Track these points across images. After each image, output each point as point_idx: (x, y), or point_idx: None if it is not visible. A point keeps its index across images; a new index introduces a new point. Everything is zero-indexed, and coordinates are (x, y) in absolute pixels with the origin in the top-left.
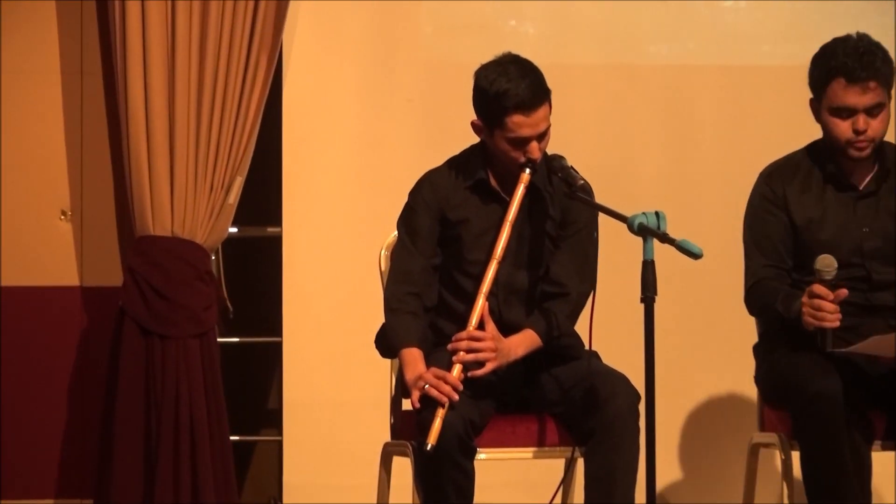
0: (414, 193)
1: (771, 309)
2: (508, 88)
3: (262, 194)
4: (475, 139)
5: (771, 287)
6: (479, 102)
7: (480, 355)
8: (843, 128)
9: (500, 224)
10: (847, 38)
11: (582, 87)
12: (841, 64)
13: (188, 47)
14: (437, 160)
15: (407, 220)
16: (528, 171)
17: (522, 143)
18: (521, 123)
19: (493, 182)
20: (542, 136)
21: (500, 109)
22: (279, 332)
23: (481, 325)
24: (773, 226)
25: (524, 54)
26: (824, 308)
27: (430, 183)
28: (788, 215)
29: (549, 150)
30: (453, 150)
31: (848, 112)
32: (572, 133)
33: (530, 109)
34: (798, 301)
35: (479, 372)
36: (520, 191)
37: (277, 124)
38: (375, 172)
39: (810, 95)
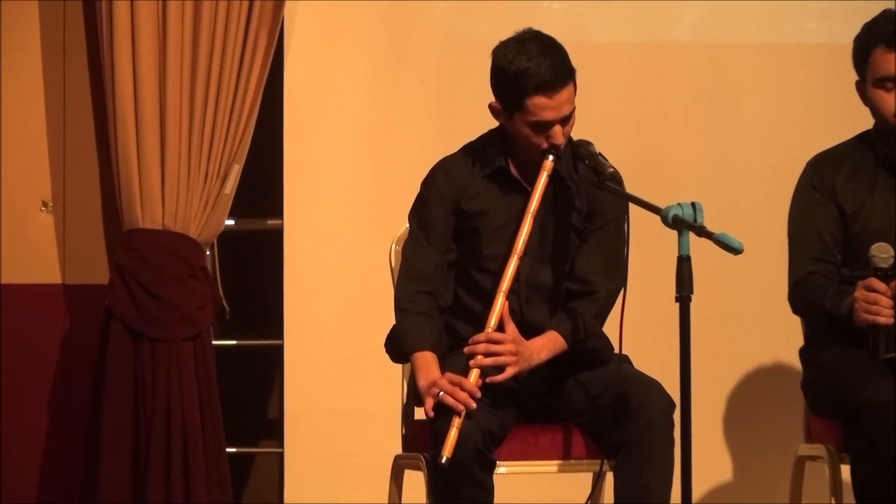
0: (427, 183)
1: (818, 306)
2: (529, 67)
3: (262, 183)
4: (494, 123)
5: (818, 283)
6: (498, 83)
7: (500, 359)
8: (889, 100)
9: (520, 216)
10: (887, 10)
11: (611, 66)
12: (882, 30)
13: (181, 22)
14: (453, 146)
15: (419, 213)
16: (551, 157)
17: (545, 127)
18: (542, 105)
19: (513, 170)
20: (567, 120)
21: (519, 90)
22: (280, 335)
23: (501, 327)
24: (821, 216)
25: (547, 31)
26: (880, 302)
27: (445, 171)
28: (837, 205)
29: (575, 136)
30: (470, 136)
31: (893, 81)
32: (600, 117)
33: (553, 90)
34: (849, 298)
35: (499, 377)
36: (542, 179)
37: (278, 107)
38: (385, 160)
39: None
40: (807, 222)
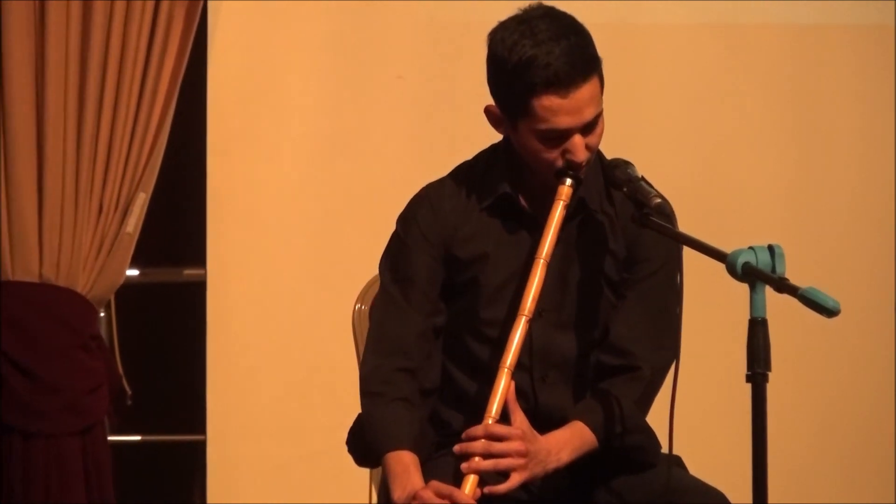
0: (405, 220)
1: None
2: (535, 55)
3: (178, 220)
4: (497, 136)
5: None
6: (496, 79)
7: (503, 462)
8: None
9: (531, 263)
10: None
11: (663, 57)
12: None
13: (65, 8)
14: (441, 168)
15: (395, 261)
16: (568, 181)
17: (559, 137)
18: (555, 108)
19: (522, 200)
20: (590, 129)
21: (523, 88)
22: (201, 428)
23: (506, 416)
24: None
25: (576, 12)
26: None
27: (430, 204)
28: None
29: (610, 152)
30: (465, 153)
31: None
32: (647, 126)
33: (568, 87)
34: None
35: (502, 487)
36: (557, 211)
37: (200, 115)
38: (345, 189)
39: None
40: None
